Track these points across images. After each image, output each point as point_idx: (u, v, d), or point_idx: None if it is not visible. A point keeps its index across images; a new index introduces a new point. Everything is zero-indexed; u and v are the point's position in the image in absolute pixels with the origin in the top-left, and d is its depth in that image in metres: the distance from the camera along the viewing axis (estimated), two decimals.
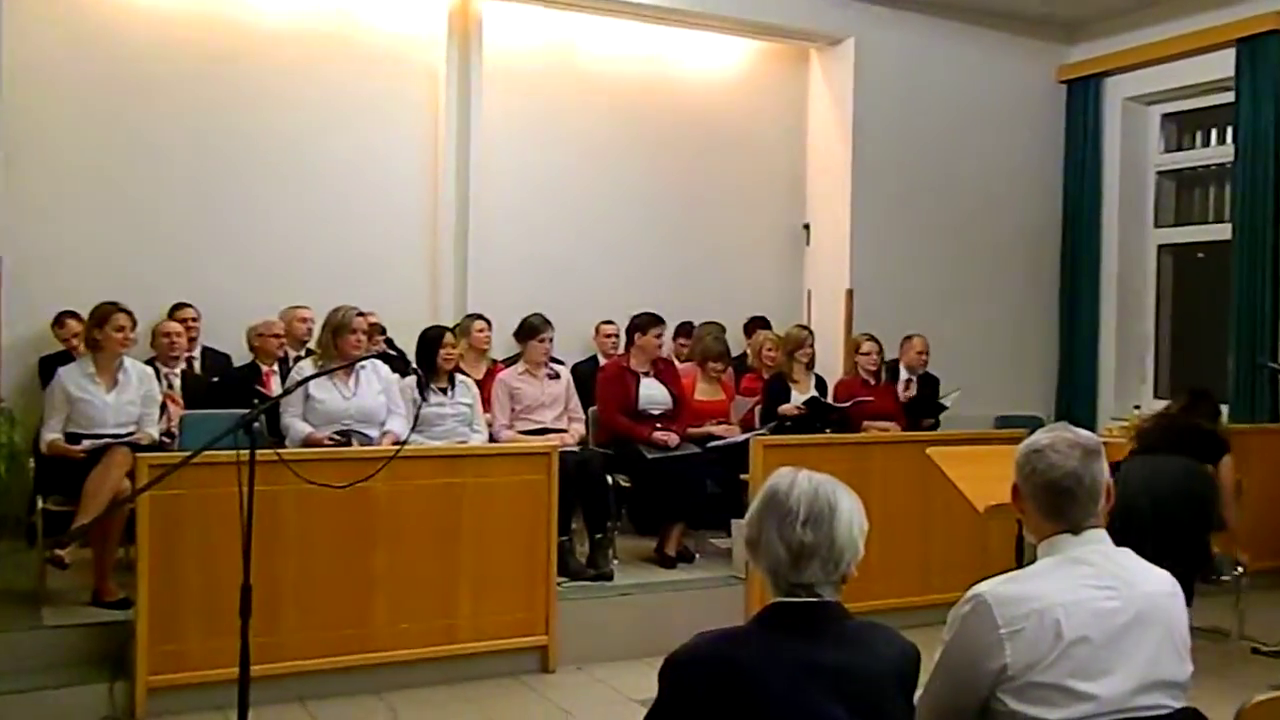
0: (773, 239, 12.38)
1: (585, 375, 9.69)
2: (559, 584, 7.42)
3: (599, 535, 8.16)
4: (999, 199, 12.69)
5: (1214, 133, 12.17)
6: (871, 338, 9.93)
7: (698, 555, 8.80)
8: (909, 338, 10.34)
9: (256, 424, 4.83)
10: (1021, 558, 6.23)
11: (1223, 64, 11.35)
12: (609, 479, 8.26)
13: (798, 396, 9.36)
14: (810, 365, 9.63)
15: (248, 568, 4.84)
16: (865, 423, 9.43)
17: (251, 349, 9.27)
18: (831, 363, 11.16)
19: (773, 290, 12.28)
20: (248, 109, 10.21)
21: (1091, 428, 8.17)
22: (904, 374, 10.16)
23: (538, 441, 8.07)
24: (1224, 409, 10.20)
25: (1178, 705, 3.18)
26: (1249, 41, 11.08)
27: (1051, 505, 3.27)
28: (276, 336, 9.22)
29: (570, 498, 7.88)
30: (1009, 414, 10.90)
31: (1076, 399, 12.67)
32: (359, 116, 10.58)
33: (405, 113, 10.73)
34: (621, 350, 9.39)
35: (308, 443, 7.28)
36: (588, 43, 11.47)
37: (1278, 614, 8.36)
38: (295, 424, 7.44)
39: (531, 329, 8.67)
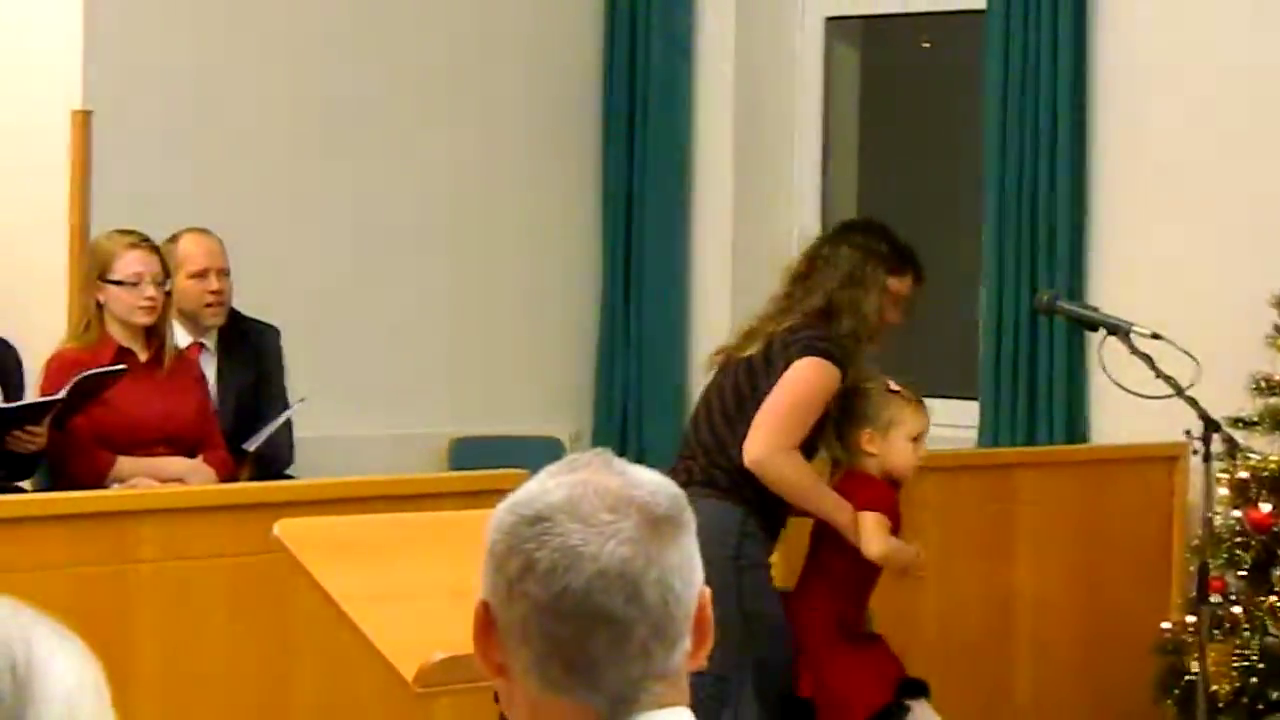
0: None
1: None
2: None
3: None
4: None
5: None
6: (144, 241, 5.05)
7: None
8: (174, 239, 5.34)
9: None
10: None
11: None
12: None
13: None
14: None
15: None
16: (121, 459, 4.97)
17: None
18: (38, 298, 5.88)
19: None
20: None
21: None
22: (179, 333, 5.25)
23: None
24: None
25: None
26: None
27: (565, 652, 1.65)
28: None
29: None
30: (486, 434, 6.64)
31: (646, 392, 7.12)
32: None
33: None
34: None
35: None
36: None
37: None
38: None
39: None
